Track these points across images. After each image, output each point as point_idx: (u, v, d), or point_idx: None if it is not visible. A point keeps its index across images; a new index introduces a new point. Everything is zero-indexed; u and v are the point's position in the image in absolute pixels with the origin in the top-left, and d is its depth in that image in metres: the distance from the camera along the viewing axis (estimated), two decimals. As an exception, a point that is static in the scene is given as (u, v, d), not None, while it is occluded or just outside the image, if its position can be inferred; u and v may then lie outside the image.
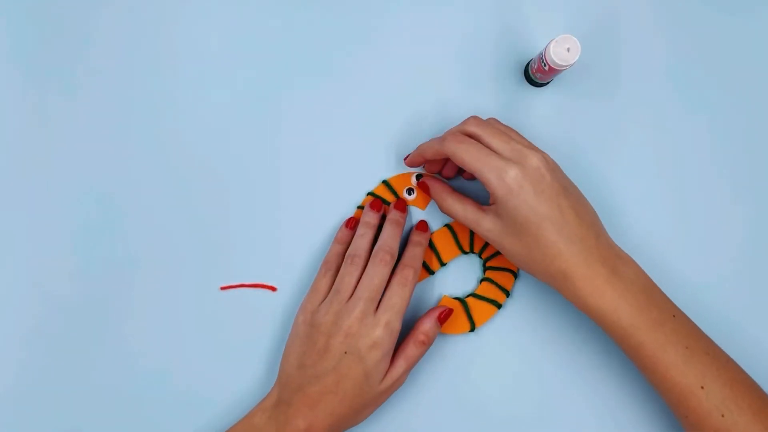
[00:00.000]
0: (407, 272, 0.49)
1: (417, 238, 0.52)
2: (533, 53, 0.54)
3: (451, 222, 0.53)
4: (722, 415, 0.44)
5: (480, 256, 0.53)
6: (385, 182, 0.53)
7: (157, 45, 0.55)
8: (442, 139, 0.47)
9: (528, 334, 0.53)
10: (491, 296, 0.52)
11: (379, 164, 0.54)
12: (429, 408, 0.52)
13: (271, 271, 0.52)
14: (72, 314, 0.52)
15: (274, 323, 0.52)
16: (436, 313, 0.50)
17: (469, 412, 0.52)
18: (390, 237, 0.50)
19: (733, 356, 0.47)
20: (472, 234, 0.52)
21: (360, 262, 0.49)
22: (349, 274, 0.49)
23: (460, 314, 0.52)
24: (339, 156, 0.54)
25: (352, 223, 0.52)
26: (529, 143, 0.47)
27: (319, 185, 0.54)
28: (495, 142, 0.46)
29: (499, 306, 0.52)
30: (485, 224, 0.47)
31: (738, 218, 0.54)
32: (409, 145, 0.54)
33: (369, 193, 0.53)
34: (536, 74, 0.52)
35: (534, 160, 0.45)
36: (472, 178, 0.52)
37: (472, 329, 0.52)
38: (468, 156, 0.45)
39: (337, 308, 0.47)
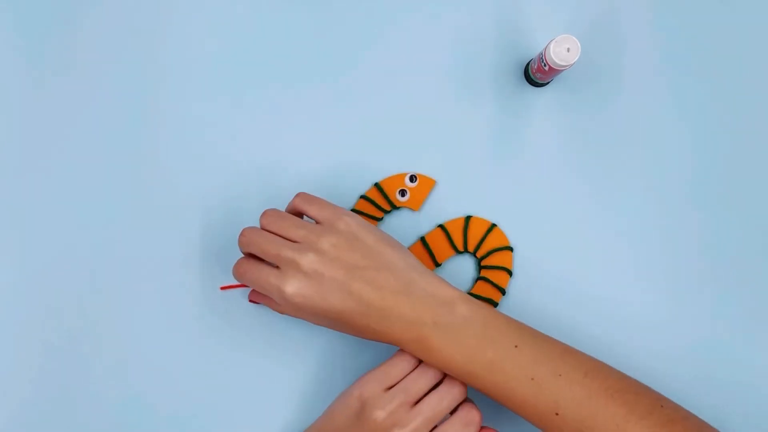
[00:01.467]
0: (474, 414, 0.45)
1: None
2: (533, 53, 0.54)
3: (444, 222, 0.53)
4: (532, 379, 0.43)
5: (475, 255, 0.53)
6: (376, 185, 0.53)
7: (152, 41, 0.55)
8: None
9: None
10: (488, 295, 0.52)
11: (374, 166, 0.54)
12: None
13: None
14: (70, 314, 0.53)
15: (275, 323, 0.52)
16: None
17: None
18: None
19: None
20: (465, 233, 0.53)
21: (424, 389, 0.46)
22: (422, 377, 0.45)
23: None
24: (334, 158, 0.54)
25: None
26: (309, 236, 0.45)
27: (314, 186, 0.53)
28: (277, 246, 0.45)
29: (495, 305, 0.53)
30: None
31: (738, 215, 0.54)
32: (407, 146, 0.54)
33: (362, 197, 0.53)
34: (536, 74, 0.51)
35: (308, 255, 0.44)
36: None
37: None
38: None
39: (396, 410, 0.44)
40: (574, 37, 0.47)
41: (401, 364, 0.46)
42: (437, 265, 0.53)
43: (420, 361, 0.46)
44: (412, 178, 0.53)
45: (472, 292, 0.53)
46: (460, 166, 0.54)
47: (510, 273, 0.53)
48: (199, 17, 0.55)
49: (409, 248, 0.52)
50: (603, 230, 0.54)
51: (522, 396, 0.44)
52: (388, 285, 0.44)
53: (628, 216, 0.54)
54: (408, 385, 0.45)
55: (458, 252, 0.53)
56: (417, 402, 0.45)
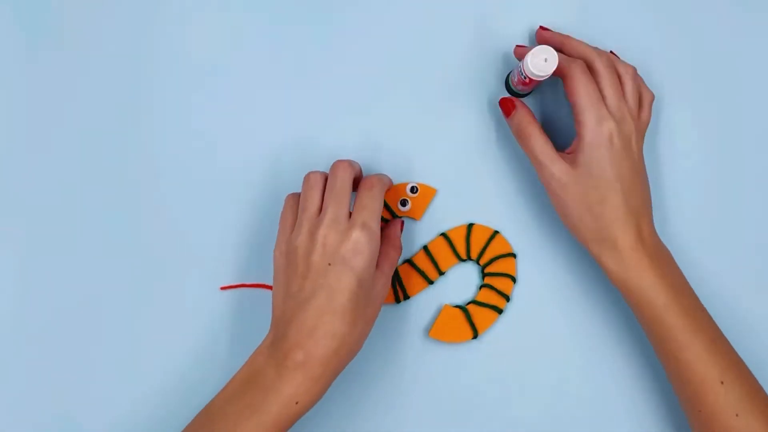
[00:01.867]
0: (370, 177, 0.47)
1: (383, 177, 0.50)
2: (514, 62, 0.55)
3: (446, 230, 0.54)
4: (736, 415, 0.43)
5: (478, 263, 0.54)
6: None
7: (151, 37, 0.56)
8: (570, 59, 0.48)
9: (529, 339, 0.53)
10: (492, 302, 0.53)
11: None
12: (433, 416, 0.53)
13: (271, 271, 0.50)
14: (70, 314, 0.53)
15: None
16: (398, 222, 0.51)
17: (472, 419, 0.53)
18: (377, 175, 0.49)
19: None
20: (468, 240, 0.53)
21: (318, 182, 0.47)
22: (311, 189, 0.47)
23: (462, 322, 0.52)
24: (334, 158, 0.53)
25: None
26: (634, 111, 0.48)
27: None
28: (609, 92, 0.47)
29: (500, 311, 0.53)
30: (555, 168, 0.47)
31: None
32: (393, 154, 0.55)
33: None
34: (517, 86, 0.53)
35: (629, 127, 0.47)
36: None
37: (475, 336, 0.52)
38: (584, 89, 0.46)
39: (308, 225, 0.45)
40: (550, 47, 0.48)
41: (290, 211, 0.48)
42: (441, 273, 0.54)
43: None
44: (413, 189, 0.53)
45: (476, 299, 0.53)
46: (459, 174, 0.55)
47: (514, 280, 0.53)
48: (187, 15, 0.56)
49: (412, 257, 0.54)
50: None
51: (698, 351, 0.45)
52: (647, 196, 0.48)
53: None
54: (303, 205, 0.46)
55: (461, 260, 0.54)
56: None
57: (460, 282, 0.54)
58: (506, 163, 0.55)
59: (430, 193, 0.54)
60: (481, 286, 0.54)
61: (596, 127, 0.46)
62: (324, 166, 0.52)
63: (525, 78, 0.51)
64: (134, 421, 0.52)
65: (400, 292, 0.53)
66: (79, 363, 0.53)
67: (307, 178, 0.48)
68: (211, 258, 0.54)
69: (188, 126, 0.55)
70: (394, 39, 0.56)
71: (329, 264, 0.44)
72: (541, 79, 0.50)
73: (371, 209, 0.45)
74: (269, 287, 0.54)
